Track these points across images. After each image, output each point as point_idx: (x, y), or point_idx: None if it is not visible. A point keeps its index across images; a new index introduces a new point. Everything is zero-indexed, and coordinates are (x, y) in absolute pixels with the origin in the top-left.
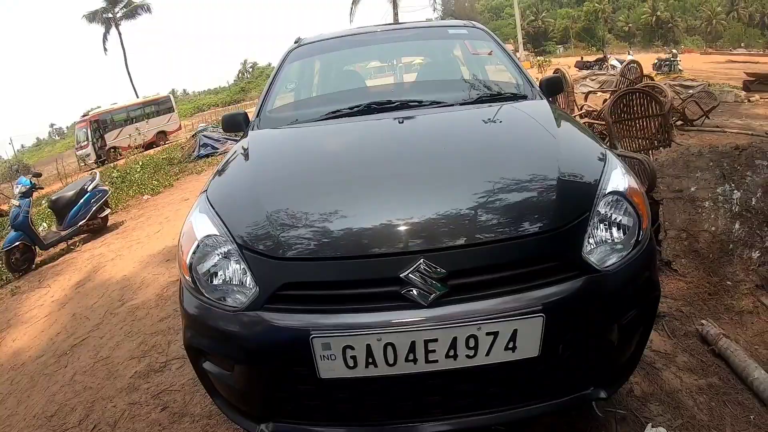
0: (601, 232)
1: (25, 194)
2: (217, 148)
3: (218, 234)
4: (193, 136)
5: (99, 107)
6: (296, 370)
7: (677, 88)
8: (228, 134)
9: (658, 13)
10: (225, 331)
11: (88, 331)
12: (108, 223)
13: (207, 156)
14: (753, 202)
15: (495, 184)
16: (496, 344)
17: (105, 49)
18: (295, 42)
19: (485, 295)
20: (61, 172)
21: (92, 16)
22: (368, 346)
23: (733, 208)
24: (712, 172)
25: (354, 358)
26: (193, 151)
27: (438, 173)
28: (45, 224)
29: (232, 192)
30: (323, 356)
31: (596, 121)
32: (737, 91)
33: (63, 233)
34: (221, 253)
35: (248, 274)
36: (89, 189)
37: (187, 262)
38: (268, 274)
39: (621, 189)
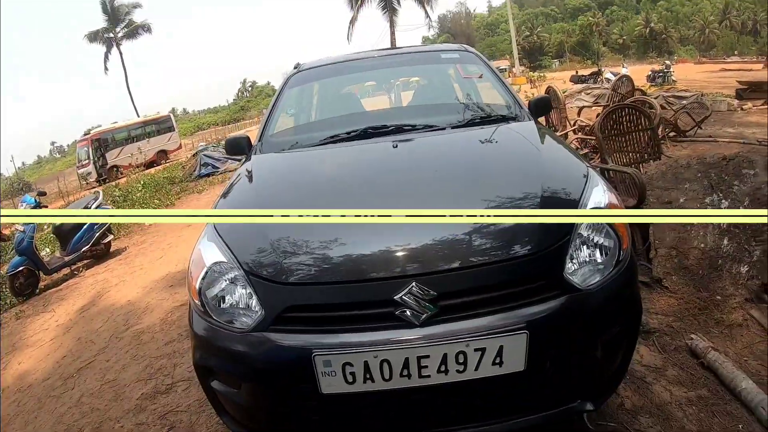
0: (583, 253)
1: None
2: (218, 168)
3: (225, 261)
4: (194, 155)
5: (100, 126)
6: (300, 387)
7: (670, 99)
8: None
9: (652, 24)
10: (233, 351)
11: (94, 355)
12: (111, 249)
13: (208, 175)
14: None
15: (480, 209)
16: (483, 359)
17: (106, 69)
18: (295, 68)
19: (473, 314)
20: (62, 189)
21: (93, 36)
22: (366, 363)
23: (722, 224)
24: (701, 183)
25: (353, 374)
26: (194, 171)
27: (427, 199)
28: (48, 249)
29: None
30: (324, 373)
31: (588, 137)
32: (730, 100)
33: (67, 259)
34: (228, 279)
35: (254, 297)
36: None
37: (197, 287)
38: (273, 298)
39: (601, 208)
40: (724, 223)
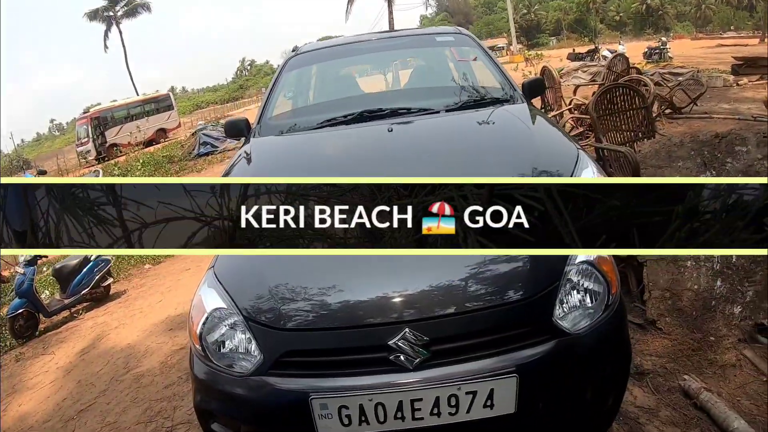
0: (572, 298)
1: (30, 262)
2: (217, 147)
3: (225, 307)
4: (193, 134)
5: (99, 104)
6: (297, 429)
7: (666, 76)
8: None
9: (648, 1)
10: (232, 394)
11: (95, 397)
12: (110, 292)
13: (207, 154)
14: (734, 259)
15: (468, 257)
16: (475, 402)
17: (106, 47)
18: (293, 50)
19: (464, 359)
20: (62, 167)
21: (93, 14)
22: (361, 406)
23: (715, 265)
24: (694, 161)
25: (349, 416)
26: (193, 149)
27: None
28: (48, 292)
29: (237, 267)
30: (321, 415)
31: (584, 116)
32: (725, 76)
33: (66, 301)
34: (228, 324)
35: (253, 343)
36: (92, 258)
37: (197, 332)
38: (271, 343)
39: (590, 258)
40: (717, 265)
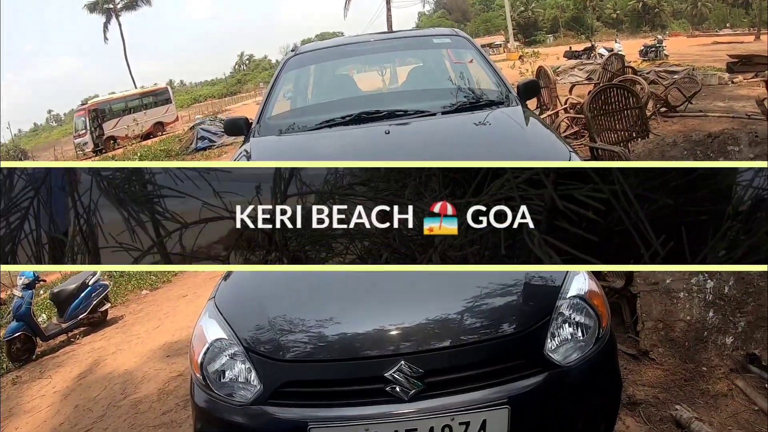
0: (564, 332)
1: (28, 286)
2: (215, 141)
3: (226, 337)
4: (191, 128)
5: (97, 96)
6: None
7: (662, 74)
8: None
9: None
10: (232, 423)
11: (92, 423)
12: (108, 317)
13: (205, 149)
14: (726, 291)
15: (462, 292)
16: None
17: (105, 39)
18: (292, 50)
19: (458, 390)
20: (59, 159)
21: (93, 6)
22: None
23: (707, 296)
24: (687, 161)
25: None
26: (191, 144)
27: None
28: (45, 315)
29: (238, 298)
30: None
31: (579, 115)
32: (721, 74)
33: (64, 325)
34: (229, 355)
35: (253, 373)
36: (90, 283)
37: (199, 361)
38: (271, 374)
39: (581, 293)
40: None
